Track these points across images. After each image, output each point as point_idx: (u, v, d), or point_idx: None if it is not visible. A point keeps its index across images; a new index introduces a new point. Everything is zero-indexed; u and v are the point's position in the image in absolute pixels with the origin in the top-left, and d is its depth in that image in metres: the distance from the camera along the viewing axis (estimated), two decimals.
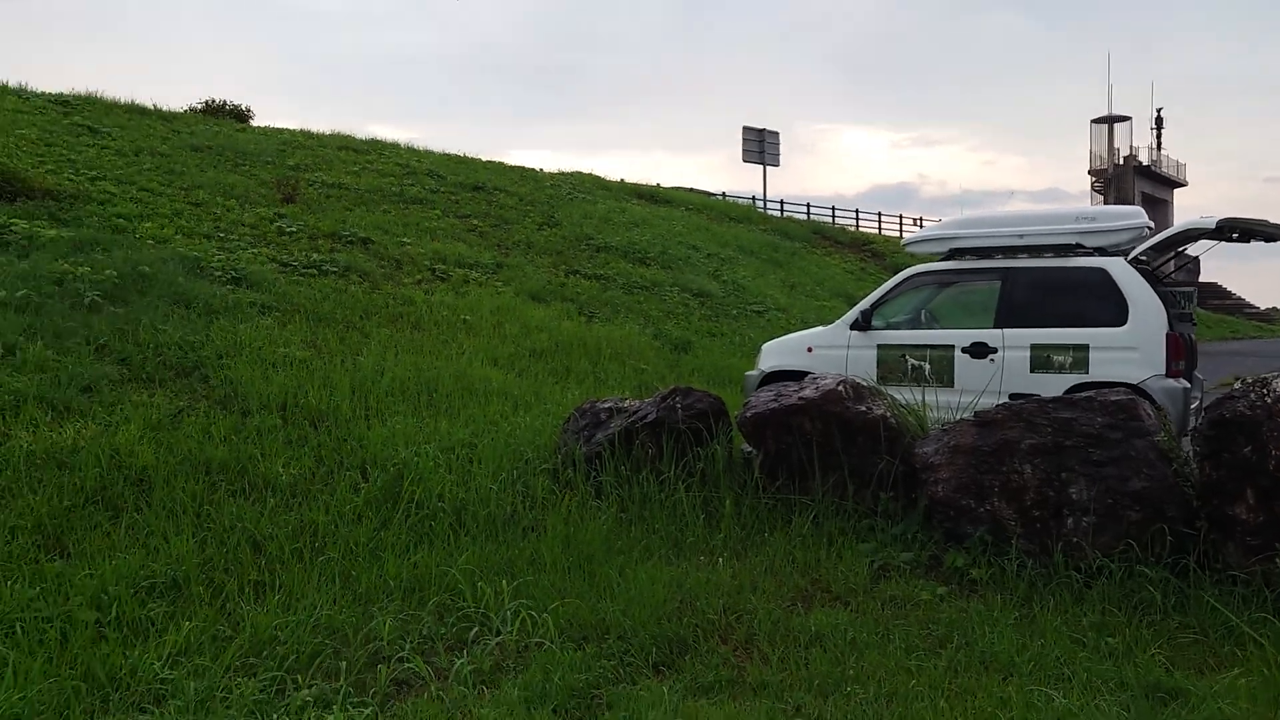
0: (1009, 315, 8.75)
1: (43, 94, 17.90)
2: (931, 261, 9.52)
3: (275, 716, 4.26)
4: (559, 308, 13.37)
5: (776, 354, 9.98)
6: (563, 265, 15.82)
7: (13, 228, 10.51)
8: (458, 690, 4.61)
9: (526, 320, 12.24)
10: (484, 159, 23.54)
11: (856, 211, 42.34)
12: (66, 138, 15.28)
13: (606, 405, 7.92)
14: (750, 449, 7.42)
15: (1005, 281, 8.89)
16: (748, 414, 7.26)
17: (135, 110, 18.69)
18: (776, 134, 37.70)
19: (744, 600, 5.59)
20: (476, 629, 5.17)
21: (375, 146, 21.00)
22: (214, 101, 21.50)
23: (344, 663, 4.78)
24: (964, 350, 8.85)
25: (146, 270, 10.04)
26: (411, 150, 21.84)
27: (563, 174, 24.35)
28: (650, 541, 6.38)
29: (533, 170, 23.63)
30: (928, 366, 8.99)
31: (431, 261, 13.82)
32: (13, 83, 18.08)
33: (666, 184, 29.33)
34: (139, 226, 11.83)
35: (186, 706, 4.24)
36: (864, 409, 6.93)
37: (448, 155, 22.63)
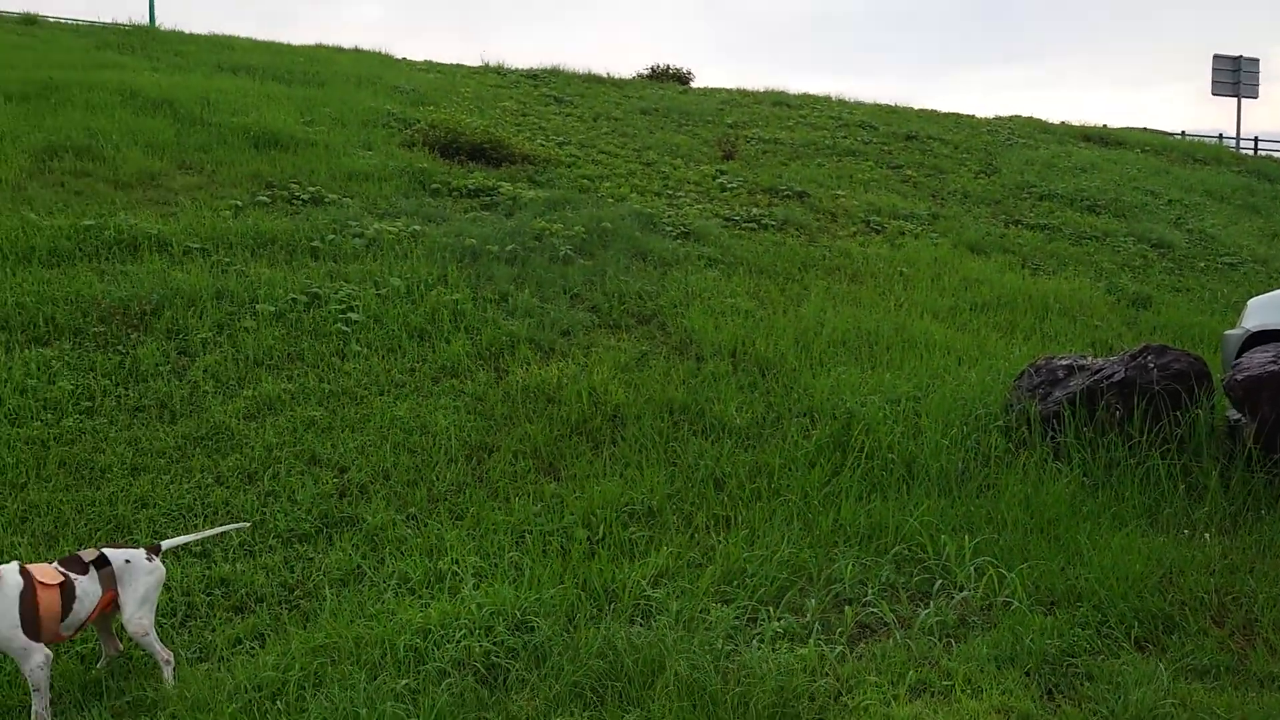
0: None
1: (516, 70, 20.03)
2: None
3: (752, 643, 4.52)
4: (1000, 260, 12.74)
5: (1266, 310, 8.80)
6: (1002, 215, 15.04)
7: (500, 190, 11.89)
8: (923, 640, 4.61)
9: (965, 273, 11.80)
10: (915, 108, 22.91)
11: None
12: (538, 107, 16.98)
13: (1064, 362, 7.45)
14: (1238, 416, 6.63)
15: None
16: (1238, 376, 6.49)
17: (592, 79, 20.33)
18: (1255, 61, 33.07)
19: (1239, 581, 5.03)
20: (940, 582, 5.12)
21: (807, 101, 21.18)
22: (658, 67, 22.82)
23: (811, 600, 4.95)
24: None
25: (608, 226, 10.92)
26: (842, 103, 21.78)
27: (999, 119, 23.08)
28: (1120, 509, 5.94)
29: (967, 117, 22.62)
30: None
31: (866, 213, 13.74)
32: (493, 61, 20.42)
33: (1115, 124, 26.79)
34: (600, 186, 12.89)
35: (671, 623, 4.62)
36: None
37: (879, 106, 22.30)
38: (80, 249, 8.51)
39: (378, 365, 7.67)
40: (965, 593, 5.00)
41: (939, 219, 14.15)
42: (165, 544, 4.81)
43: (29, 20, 17.71)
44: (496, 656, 4.35)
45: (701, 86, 22.25)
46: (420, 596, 5.13)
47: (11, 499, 5.82)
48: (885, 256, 12.06)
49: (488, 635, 4.46)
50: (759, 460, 6.70)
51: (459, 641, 4.41)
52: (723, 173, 14.53)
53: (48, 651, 4.27)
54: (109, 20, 18.63)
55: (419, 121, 13.86)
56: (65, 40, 16.18)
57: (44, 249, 8.34)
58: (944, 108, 23.55)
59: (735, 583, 5.16)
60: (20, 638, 4.17)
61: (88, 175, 10.18)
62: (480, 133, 13.47)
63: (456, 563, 5.44)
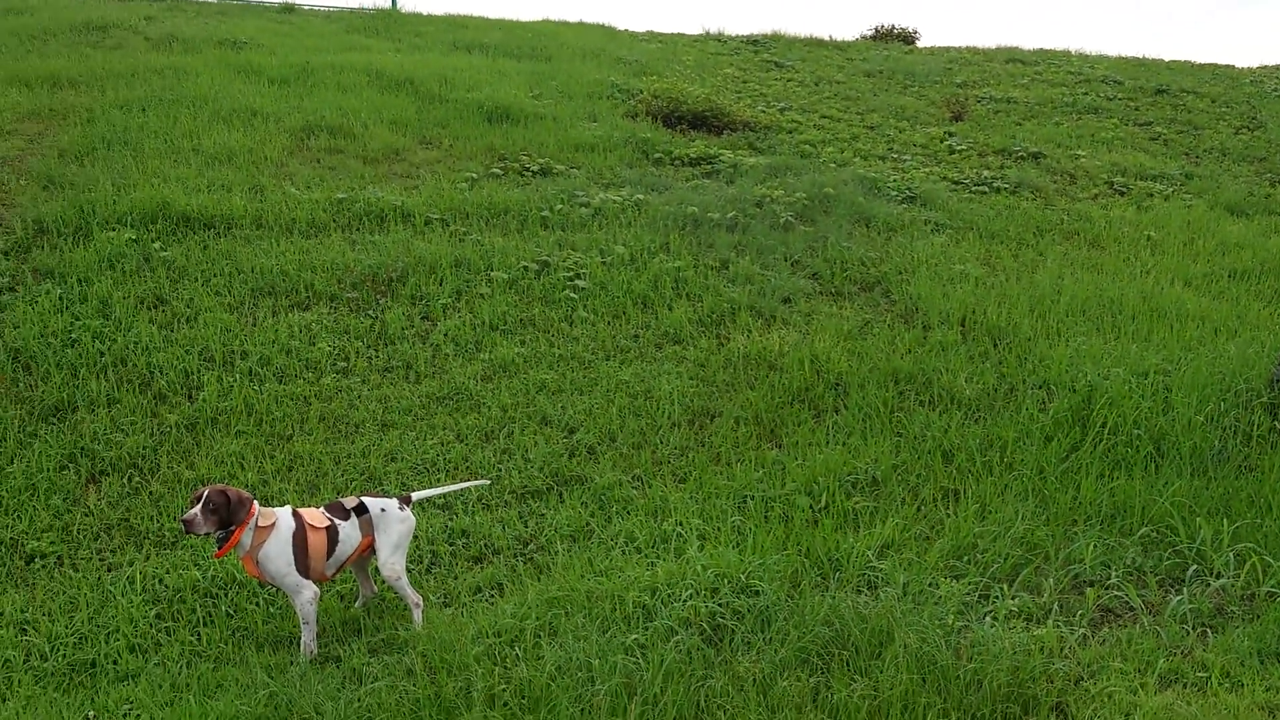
0: None
1: (736, 36, 19.91)
2: None
3: (985, 620, 4.38)
4: (1263, 222, 11.65)
5: None
6: (1268, 174, 13.72)
7: (721, 157, 11.90)
8: (1174, 628, 4.33)
9: (1223, 236, 10.86)
10: (1166, 59, 21.19)
11: None
12: (758, 73, 16.84)
13: None
14: None
15: None
16: None
17: (813, 43, 19.96)
18: None
19: None
20: (1194, 568, 4.79)
21: (1044, 57, 19.99)
22: (882, 27, 22.08)
23: (1048, 580, 4.75)
24: None
25: (830, 192, 10.73)
26: (1083, 57, 20.41)
27: (1265, 68, 20.99)
28: None
29: (1226, 67, 20.71)
30: None
31: (1109, 174, 12.87)
32: (713, 29, 20.40)
33: None
34: (822, 151, 12.67)
35: (899, 595, 4.54)
36: None
37: (1124, 59, 20.76)
38: (334, 220, 9.16)
39: (604, 331, 7.88)
40: (1223, 580, 4.66)
41: (1192, 179, 13.09)
42: (415, 495, 5.15)
43: (287, 9, 19.09)
44: (722, 617, 4.41)
45: (928, 45, 21.42)
46: (646, 555, 5.27)
47: (280, 449, 6.39)
48: (1130, 220, 11.27)
49: (713, 596, 4.53)
50: (990, 433, 6.45)
51: (685, 601, 4.50)
52: (951, 134, 13.97)
53: (316, 589, 4.67)
54: (356, 6, 19.79)
55: (641, 92, 14.04)
56: (318, 26, 17.35)
57: (303, 221, 9.03)
58: (1200, 58, 21.67)
59: (965, 558, 5.02)
60: (293, 575, 4.58)
61: (340, 152, 10.93)
62: (701, 101, 13.50)
63: (680, 524, 5.55)
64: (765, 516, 5.64)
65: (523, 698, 3.99)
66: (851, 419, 6.75)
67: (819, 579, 4.87)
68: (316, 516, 4.75)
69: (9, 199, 9.04)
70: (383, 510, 4.88)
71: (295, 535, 4.62)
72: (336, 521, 4.78)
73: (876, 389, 7.06)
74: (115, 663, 4.75)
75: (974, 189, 11.84)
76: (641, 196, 10.25)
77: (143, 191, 9.04)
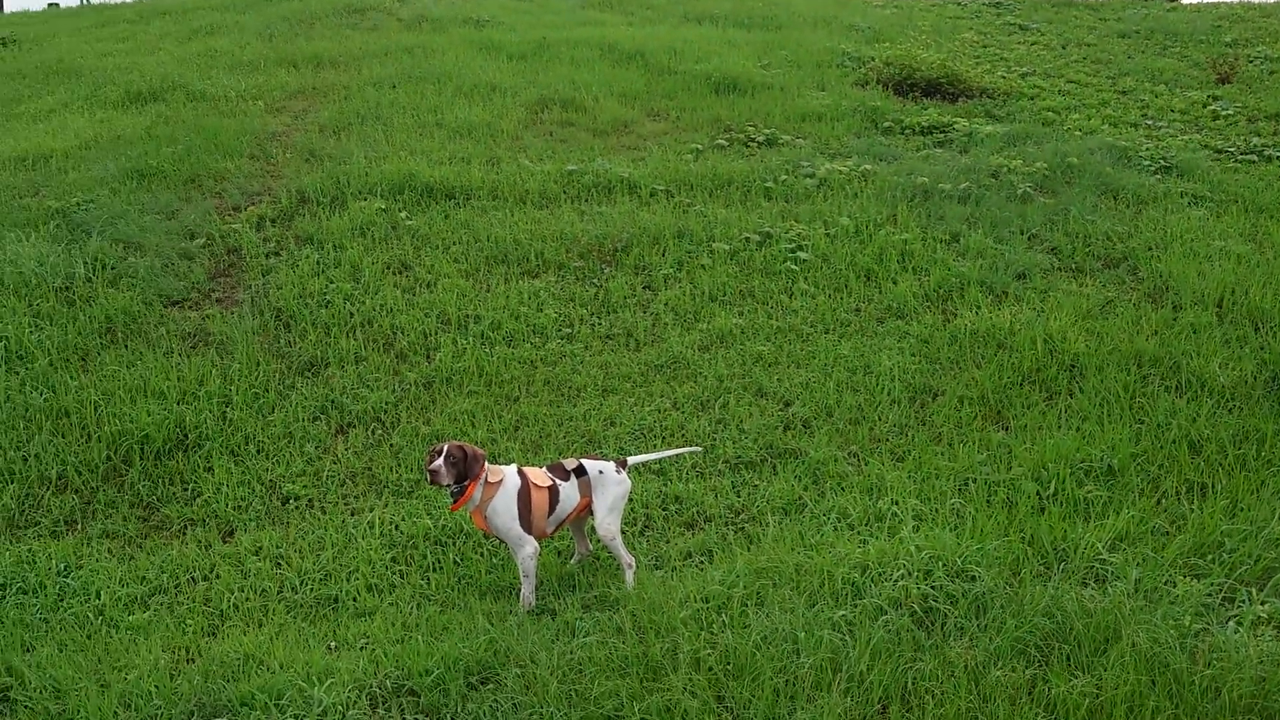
0: None
1: None
2: None
3: (1228, 625, 4.05)
4: None
5: None
6: None
7: (955, 126, 11.42)
8: None
9: None
10: None
11: None
12: (1000, 37, 16.02)
13: None
14: None
15: None
16: None
17: (1062, 3, 18.76)
18: None
19: None
20: None
21: None
22: None
23: None
24: None
25: (1074, 161, 10.10)
26: None
27: None
28: None
29: None
30: None
31: None
32: None
33: None
34: (1066, 118, 11.93)
35: (1130, 591, 4.27)
36: None
37: None
38: (564, 192, 9.46)
39: (824, 304, 7.77)
40: None
41: None
42: (631, 460, 5.28)
43: None
44: (934, 601, 4.29)
45: (1194, 1, 19.68)
46: (859, 533, 5.19)
47: (507, 410, 6.70)
48: None
49: (926, 579, 4.41)
50: (1246, 425, 5.93)
51: (896, 581, 4.40)
52: (1216, 98, 12.81)
53: (536, 544, 4.89)
54: None
55: (873, 59, 13.66)
56: (556, 3, 17.89)
57: (535, 192, 9.38)
58: None
59: (1209, 556, 4.64)
60: (517, 529, 4.81)
61: (571, 125, 11.25)
62: (936, 67, 12.99)
63: (896, 504, 5.43)
64: (987, 501, 5.43)
65: (727, 664, 4.04)
66: (1087, 403, 6.37)
67: (1041, 568, 4.64)
68: (540, 476, 4.95)
69: (277, 171, 9.87)
70: (600, 472, 5.03)
71: (520, 492, 4.84)
72: (558, 481, 4.97)
73: (1116, 372, 6.62)
74: (355, 600, 5.15)
75: (1240, 158, 10.84)
76: (869, 167, 10.00)
77: (392, 164, 9.64)
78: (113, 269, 7.92)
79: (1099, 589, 4.39)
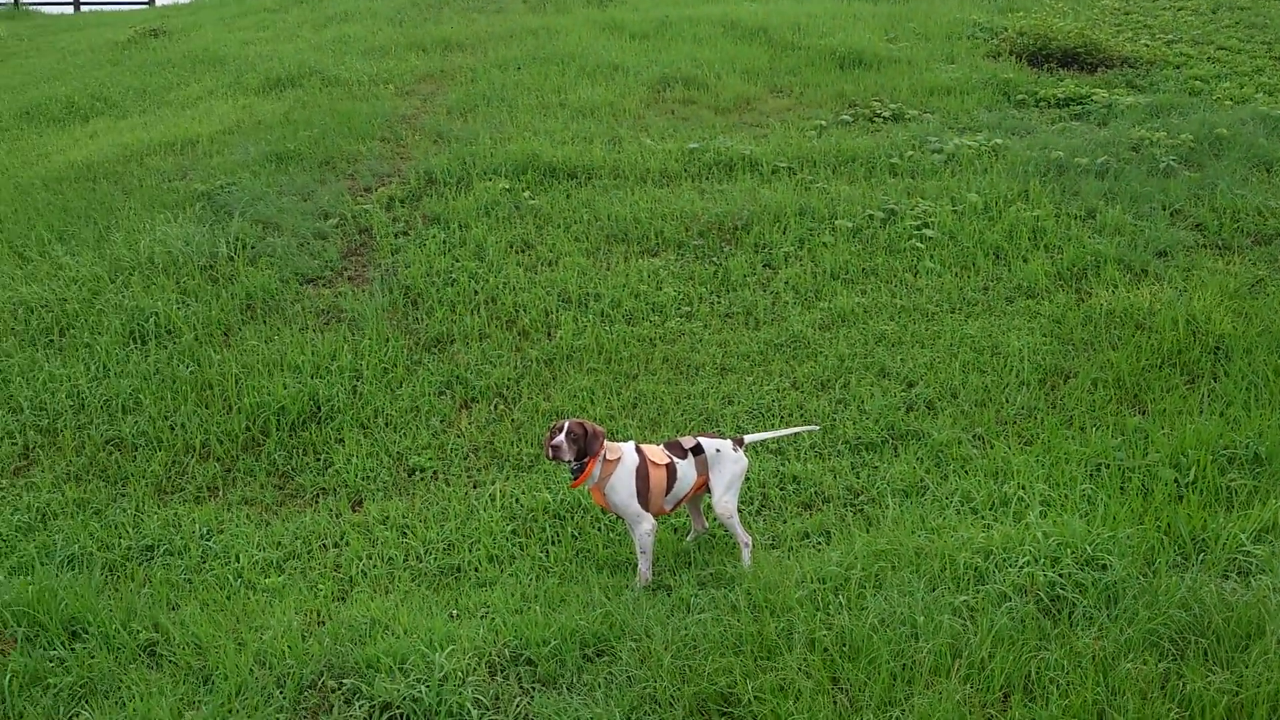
0: None
1: None
2: None
3: None
4: None
5: None
6: None
7: (1093, 97, 10.94)
8: None
9: None
10: None
11: None
12: (1143, 3, 15.25)
13: None
14: None
15: None
16: None
17: None
18: None
19: None
20: None
21: None
22: None
23: None
24: None
25: (1223, 133, 9.56)
26: None
27: None
28: None
29: None
30: None
31: None
32: None
33: None
34: (1216, 87, 11.29)
35: (1275, 585, 4.03)
36: None
37: None
38: (685, 170, 9.44)
39: (950, 282, 7.57)
40: None
41: None
42: (748, 438, 5.25)
43: None
44: (1061, 589, 4.14)
45: None
46: (982, 517, 5.05)
47: (625, 387, 6.74)
48: None
49: (1053, 566, 4.26)
50: None
51: (1021, 567, 4.27)
52: None
53: (654, 521, 4.92)
54: None
55: (1006, 30, 13.18)
56: None
57: (656, 170, 9.38)
58: None
59: None
60: (634, 506, 4.85)
61: (693, 103, 11.21)
62: (1074, 36, 12.45)
63: (1023, 488, 5.26)
64: (1121, 487, 5.21)
65: (843, 645, 3.99)
66: (1233, 387, 6.04)
67: (1178, 559, 4.43)
68: (657, 453, 4.97)
69: (406, 153, 10.13)
70: (718, 451, 5.02)
71: (638, 469, 4.87)
72: (675, 459, 4.98)
73: (1266, 354, 6.26)
74: (476, 570, 5.28)
75: None
76: (1000, 141, 9.67)
77: (516, 144, 9.78)
78: (252, 248, 8.27)
79: (1241, 582, 4.17)
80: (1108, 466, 5.39)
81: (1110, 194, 8.62)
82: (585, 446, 4.79)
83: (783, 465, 5.91)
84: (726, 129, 10.39)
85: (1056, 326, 6.93)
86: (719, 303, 7.59)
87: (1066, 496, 5.13)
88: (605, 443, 4.86)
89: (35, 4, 26.29)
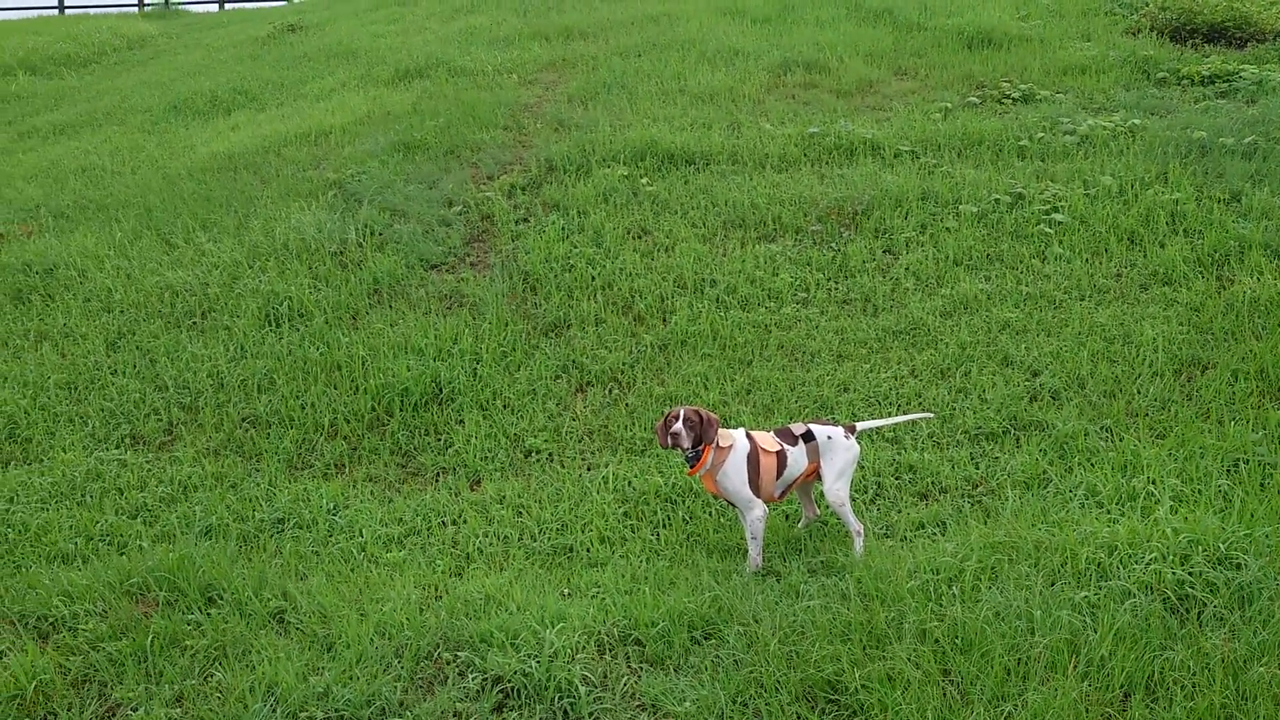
0: None
1: None
2: None
3: None
4: None
5: None
6: None
7: (1241, 74, 10.34)
8: None
9: None
10: None
11: None
12: None
13: None
14: None
15: None
16: None
17: None
18: None
19: None
20: None
21: None
22: None
23: None
24: None
25: None
26: None
27: None
28: None
29: None
30: None
31: None
32: None
33: None
34: None
35: None
36: None
37: None
38: (804, 155, 9.32)
39: (1080, 269, 7.29)
40: None
41: None
42: (860, 425, 5.18)
43: None
44: (1190, 587, 3.97)
45: None
46: (1108, 511, 4.87)
47: (740, 373, 6.73)
48: None
49: (1182, 564, 4.08)
50: None
51: (1148, 564, 4.10)
52: None
53: (765, 507, 4.90)
54: None
55: (1147, 4, 12.56)
56: None
57: (775, 156, 9.30)
58: None
59: None
60: (746, 492, 4.84)
61: (814, 87, 11.06)
62: (1221, 9, 11.78)
63: (1153, 482, 5.05)
64: (1261, 484, 4.94)
65: (955, 637, 3.91)
66: None
67: None
68: (768, 440, 4.95)
69: (528, 140, 10.30)
70: (829, 438, 4.97)
71: (750, 456, 4.86)
72: (786, 446, 4.95)
73: None
74: (588, 550, 5.36)
75: None
76: (1137, 121, 9.24)
77: (635, 131, 9.83)
78: (380, 235, 8.55)
79: None
80: (1247, 462, 5.13)
81: (1258, 176, 8.15)
82: (701, 434, 4.81)
83: (899, 454, 5.81)
84: (848, 113, 10.22)
85: (1194, 315, 6.61)
86: (836, 289, 7.49)
87: (1200, 492, 4.90)
88: (719, 430, 4.87)
89: (184, 3, 27.64)
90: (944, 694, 3.70)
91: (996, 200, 8.13)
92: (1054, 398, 6.11)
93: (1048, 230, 7.70)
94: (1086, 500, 5.05)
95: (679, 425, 4.77)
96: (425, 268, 8.24)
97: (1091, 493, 5.12)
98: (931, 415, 5.90)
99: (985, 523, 4.95)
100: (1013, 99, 10.22)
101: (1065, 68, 10.84)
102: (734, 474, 4.84)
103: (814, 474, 5.01)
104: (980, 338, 6.72)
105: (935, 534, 5.04)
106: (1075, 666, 3.69)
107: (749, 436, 4.94)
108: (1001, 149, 9.07)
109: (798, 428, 5.03)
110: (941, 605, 4.10)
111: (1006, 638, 3.85)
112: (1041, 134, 9.20)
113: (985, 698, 3.66)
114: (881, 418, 5.82)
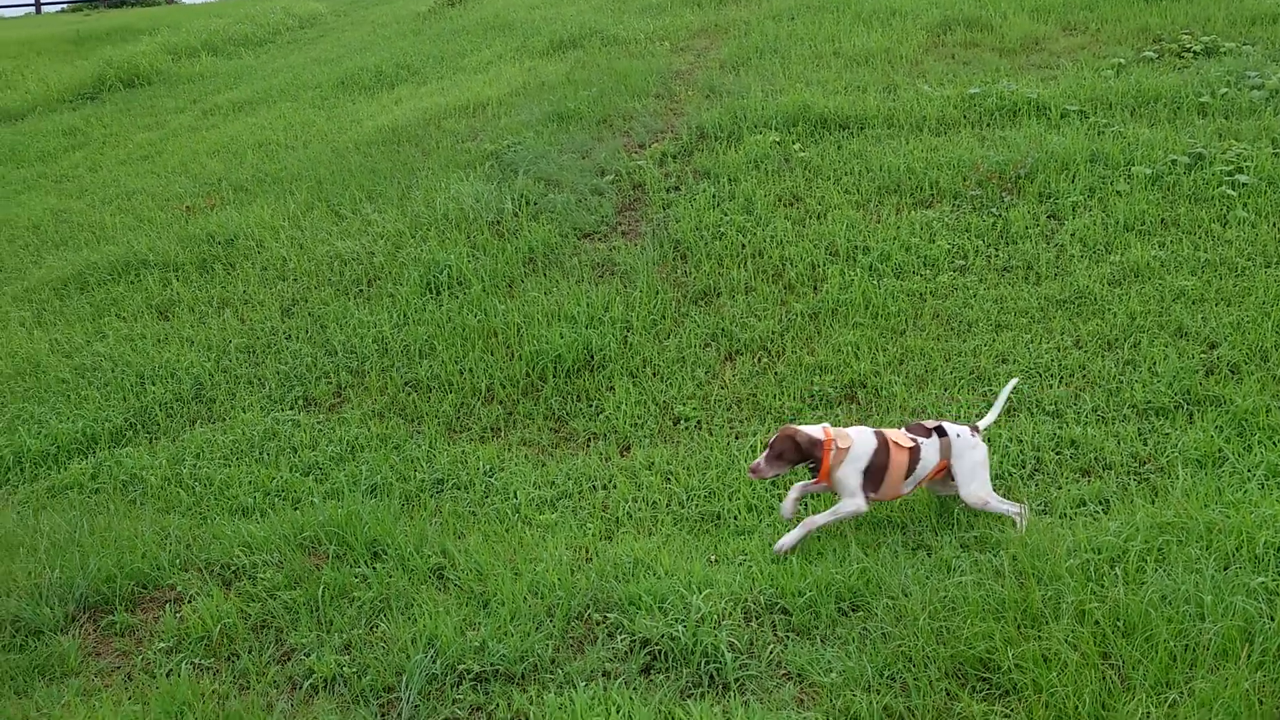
0: None
1: None
2: None
3: None
4: None
5: None
6: None
7: None
8: None
9: None
10: None
11: None
12: None
13: None
14: None
15: None
16: None
17: None
18: None
19: None
20: None
21: None
22: None
23: None
24: None
25: None
26: None
27: None
28: None
29: None
30: None
31: None
32: None
33: None
34: None
35: None
36: None
37: None
38: (964, 116, 9.00)
39: (1266, 233, 6.82)
40: None
41: None
42: (981, 423, 5.01)
43: None
44: None
45: None
46: None
47: (892, 343, 6.59)
48: None
49: None
50: None
51: None
52: None
53: (865, 508, 4.78)
54: None
55: None
56: None
57: (933, 118, 9.02)
58: None
59: None
60: (853, 486, 4.71)
61: (976, 45, 10.64)
62: None
63: None
64: None
65: (1116, 620, 3.76)
66: None
67: None
68: (901, 437, 4.82)
69: (679, 108, 10.29)
70: (957, 435, 4.83)
71: (876, 453, 4.74)
72: (920, 440, 4.82)
73: None
74: (735, 518, 5.38)
75: None
76: None
77: (787, 96, 9.70)
78: (535, 204, 8.73)
79: None
80: None
81: None
82: (800, 457, 4.74)
83: (1060, 429, 5.59)
84: (1011, 72, 9.80)
85: None
86: (996, 256, 7.23)
87: None
88: (832, 431, 4.77)
89: None
90: (1103, 677, 3.57)
91: (1173, 161, 7.67)
92: (1233, 371, 5.75)
93: (1230, 193, 7.22)
94: (1267, 481, 4.76)
95: (760, 460, 4.76)
96: (578, 236, 8.37)
97: (1273, 473, 4.82)
98: (1017, 380, 5.57)
99: (1153, 502, 4.72)
100: (1194, 52, 9.59)
101: (1254, 17, 10.09)
102: (851, 475, 4.73)
103: (944, 470, 4.87)
104: (1152, 307, 6.38)
105: (1098, 512, 4.84)
106: (1249, 655, 3.50)
107: (879, 434, 4.82)
108: (1180, 106, 8.54)
109: (930, 424, 4.90)
110: (1103, 586, 3.95)
111: (1173, 622, 3.68)
112: (1225, 89, 8.60)
113: (1148, 684, 3.51)
114: (993, 408, 5.45)
